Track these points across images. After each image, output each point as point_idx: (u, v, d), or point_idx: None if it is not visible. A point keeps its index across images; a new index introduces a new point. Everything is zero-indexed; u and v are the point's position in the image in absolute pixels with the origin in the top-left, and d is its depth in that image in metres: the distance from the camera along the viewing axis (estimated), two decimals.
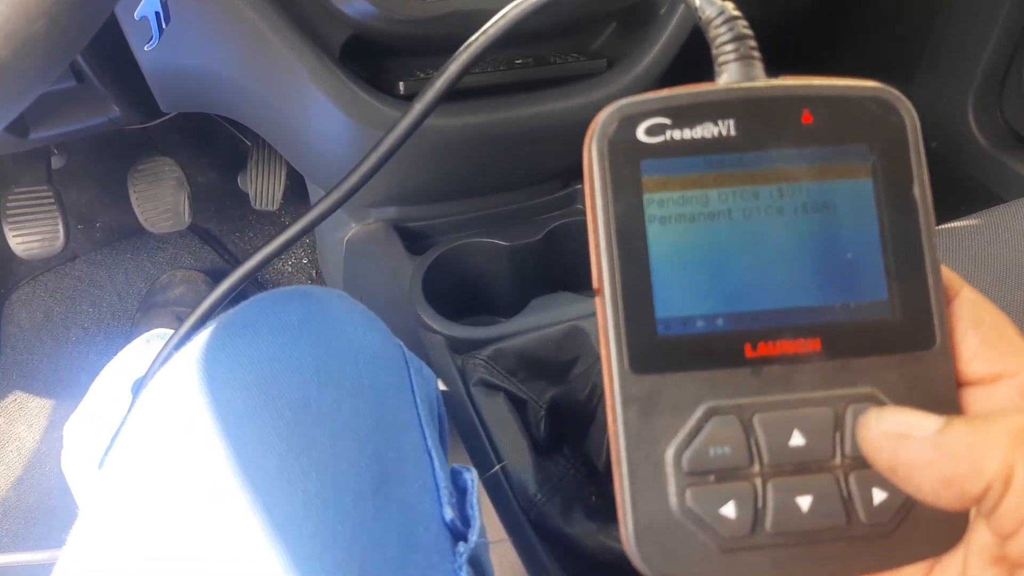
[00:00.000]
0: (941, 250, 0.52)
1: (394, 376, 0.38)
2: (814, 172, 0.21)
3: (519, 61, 0.56)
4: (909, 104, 0.21)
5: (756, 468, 0.20)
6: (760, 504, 0.20)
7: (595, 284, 0.21)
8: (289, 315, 0.37)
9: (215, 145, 1.07)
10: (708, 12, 0.22)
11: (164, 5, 0.50)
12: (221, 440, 0.32)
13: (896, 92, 0.21)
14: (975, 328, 0.21)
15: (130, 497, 0.33)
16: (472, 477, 0.37)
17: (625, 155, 0.20)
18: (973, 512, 0.20)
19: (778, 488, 0.20)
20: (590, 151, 0.21)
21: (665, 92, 0.21)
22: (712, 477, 0.20)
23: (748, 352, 0.20)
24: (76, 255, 1.03)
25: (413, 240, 0.66)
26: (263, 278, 1.07)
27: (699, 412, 0.20)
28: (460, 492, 0.37)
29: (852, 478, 0.20)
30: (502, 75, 0.55)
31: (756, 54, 0.22)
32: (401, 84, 0.53)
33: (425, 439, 0.37)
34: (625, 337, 0.20)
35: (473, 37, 0.32)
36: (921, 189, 0.21)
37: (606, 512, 0.50)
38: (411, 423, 0.37)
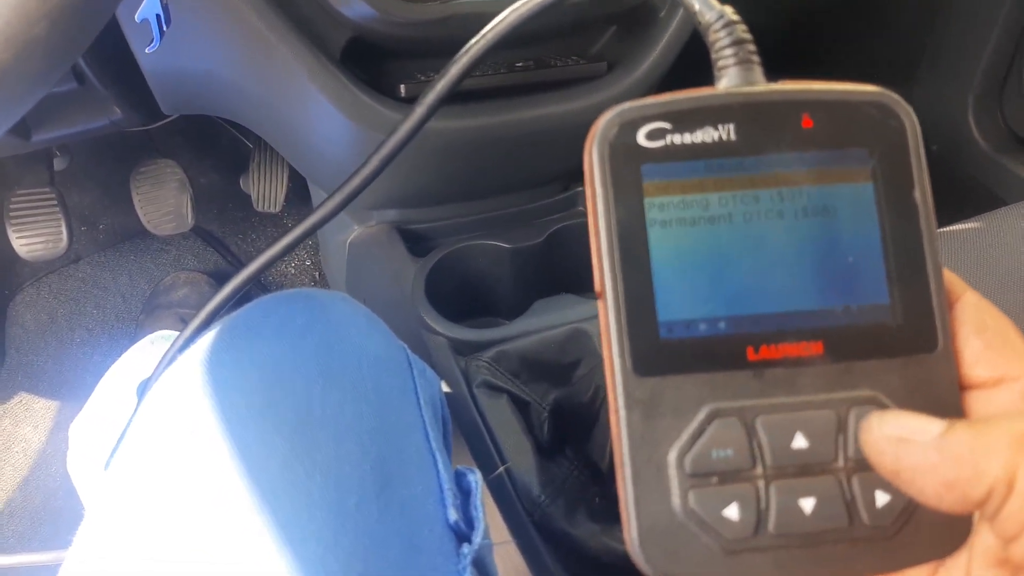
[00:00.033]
0: (943, 253, 0.52)
1: (397, 378, 0.38)
2: (814, 176, 0.21)
3: (520, 64, 0.56)
4: (909, 108, 0.21)
5: (759, 470, 0.20)
6: (763, 506, 0.20)
7: (597, 288, 0.21)
8: (293, 318, 0.37)
9: (217, 147, 1.07)
10: (707, 16, 0.22)
11: (165, 7, 0.50)
12: (225, 442, 0.32)
13: (896, 96, 0.21)
14: (978, 332, 0.21)
15: (135, 499, 0.33)
16: (476, 479, 0.37)
17: (626, 159, 0.20)
18: (977, 515, 0.20)
19: (781, 490, 0.20)
20: (591, 155, 0.21)
21: (665, 97, 0.21)
22: (715, 479, 0.20)
23: (750, 355, 0.20)
24: (79, 257, 1.03)
25: (415, 242, 0.66)
26: (266, 280, 1.07)
27: (702, 414, 0.20)
28: (464, 494, 0.37)
29: (855, 480, 0.20)
30: (503, 78, 0.55)
31: (755, 58, 0.22)
32: (402, 86, 0.53)
33: (429, 441, 0.37)
34: (627, 340, 0.20)
35: (473, 40, 0.32)
36: (922, 193, 0.21)
37: (610, 514, 0.50)
38: (415, 425, 0.37)
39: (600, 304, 0.21)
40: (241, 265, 0.72)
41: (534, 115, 0.57)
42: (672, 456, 0.20)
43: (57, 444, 0.92)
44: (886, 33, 0.91)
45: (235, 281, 0.37)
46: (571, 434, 0.56)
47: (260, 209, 0.94)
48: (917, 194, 0.21)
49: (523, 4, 0.30)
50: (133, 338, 0.86)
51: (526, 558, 0.49)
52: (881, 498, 0.20)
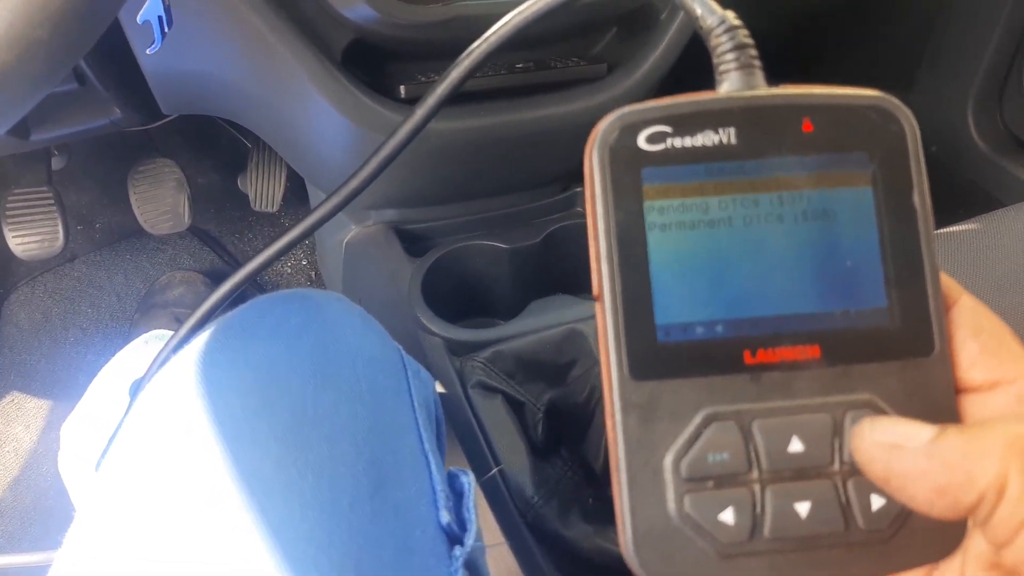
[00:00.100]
0: (940, 255, 0.52)
1: (392, 379, 0.38)
2: (814, 180, 0.21)
3: (520, 65, 0.57)
4: (909, 113, 0.21)
5: (755, 474, 0.20)
6: (758, 510, 0.20)
7: (595, 291, 0.21)
8: (287, 318, 0.37)
9: (216, 147, 1.07)
10: (709, 21, 0.22)
11: (167, 9, 0.50)
12: (218, 442, 0.32)
13: (896, 101, 0.21)
14: (974, 335, 0.21)
15: (127, 499, 0.33)
16: (469, 480, 0.37)
17: (626, 163, 0.20)
18: (971, 519, 0.20)
19: (777, 494, 0.20)
20: (591, 159, 0.21)
21: (666, 100, 0.21)
22: (711, 483, 0.20)
23: (747, 358, 0.20)
24: (75, 256, 1.03)
25: (412, 242, 0.66)
26: (263, 279, 1.07)
27: (698, 418, 0.20)
28: (457, 495, 0.37)
29: (850, 484, 0.20)
30: (503, 79, 0.55)
31: (757, 63, 0.22)
32: (402, 88, 0.53)
33: (422, 442, 0.37)
34: (625, 343, 0.20)
35: (475, 44, 0.32)
36: (921, 197, 0.21)
37: (603, 515, 0.50)
38: (408, 426, 0.37)
39: (598, 307, 0.21)
40: (238, 265, 0.72)
41: (534, 116, 0.57)
42: (668, 460, 0.20)
43: (48, 444, 0.92)
44: (886, 35, 0.92)
45: (231, 281, 0.37)
46: (566, 435, 0.56)
47: (258, 209, 0.94)
48: (916, 198, 0.21)
49: (525, 8, 0.30)
50: (128, 337, 0.86)
51: (519, 559, 0.49)
52: (876, 502, 0.20)
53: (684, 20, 0.58)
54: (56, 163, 0.89)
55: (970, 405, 0.21)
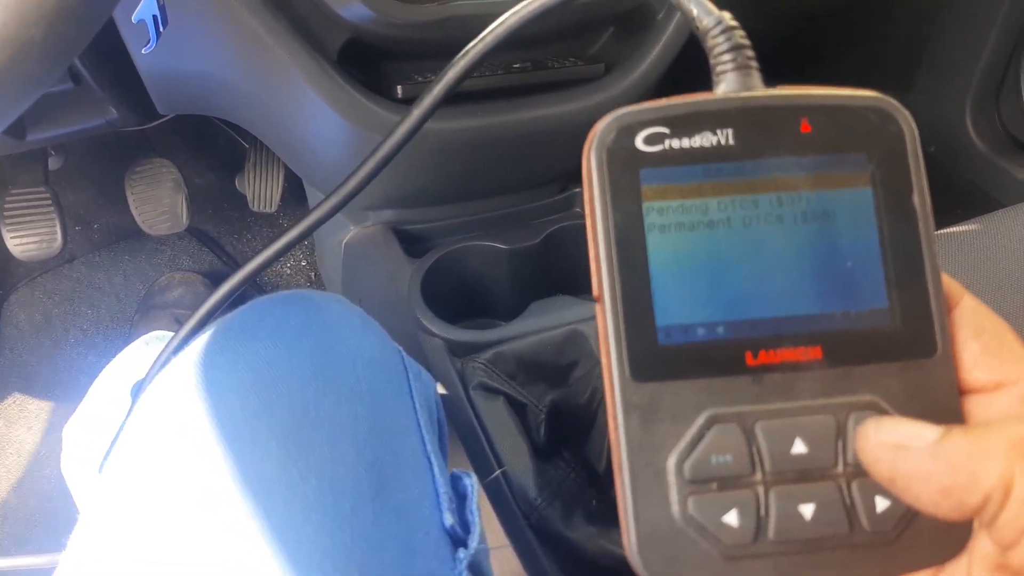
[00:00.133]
0: (941, 255, 0.52)
1: (392, 381, 0.38)
2: (813, 181, 0.21)
3: (517, 65, 0.56)
4: (907, 113, 0.21)
5: (758, 476, 0.20)
6: (762, 512, 0.20)
7: (595, 292, 0.21)
8: (288, 320, 0.37)
9: (213, 147, 1.07)
10: (705, 22, 0.22)
11: (161, 8, 0.50)
12: (219, 444, 0.32)
13: (894, 102, 0.21)
14: (976, 336, 0.21)
15: (130, 501, 0.33)
16: (472, 482, 0.37)
17: (624, 164, 0.20)
18: (976, 520, 0.20)
19: (780, 496, 0.20)
20: (589, 160, 0.21)
21: (663, 101, 0.21)
22: (714, 485, 0.20)
23: (749, 360, 0.20)
24: (74, 257, 1.02)
25: (412, 243, 0.66)
26: (262, 280, 1.07)
27: (700, 420, 0.20)
28: (460, 497, 0.37)
29: (855, 486, 0.20)
30: (500, 79, 0.55)
31: (754, 64, 0.22)
32: (399, 88, 0.53)
33: (424, 444, 0.37)
34: (626, 345, 0.20)
35: (471, 44, 0.32)
36: (920, 197, 0.21)
37: (607, 516, 0.50)
38: (410, 428, 0.37)
39: (598, 309, 0.21)
40: (236, 265, 0.72)
41: (531, 116, 0.57)
42: (671, 462, 0.20)
43: (51, 445, 0.92)
44: (884, 36, 0.91)
45: (231, 282, 0.37)
46: (568, 436, 0.55)
47: (256, 209, 0.94)
48: (916, 199, 0.21)
49: (522, 8, 0.30)
50: (128, 338, 0.86)
51: (523, 561, 0.49)
52: (881, 503, 0.20)
53: (681, 20, 0.58)
54: (53, 163, 0.89)
55: (973, 406, 0.21)
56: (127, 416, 0.36)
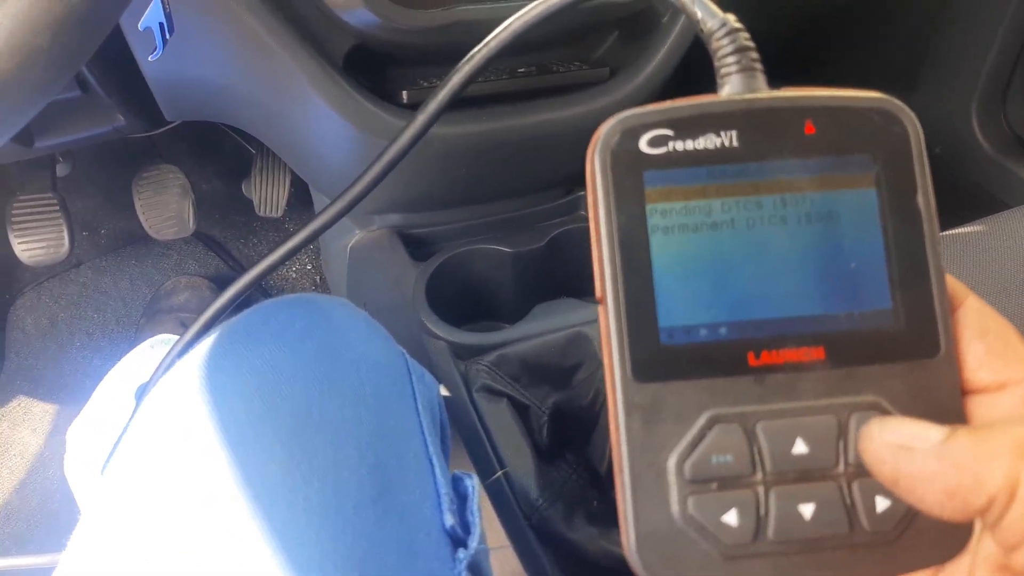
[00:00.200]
0: (945, 256, 0.51)
1: (396, 384, 0.38)
2: (817, 182, 0.21)
3: (522, 69, 0.57)
4: (912, 115, 0.21)
5: (759, 476, 0.20)
6: (762, 512, 0.20)
7: (598, 294, 0.21)
8: (292, 323, 0.37)
9: (219, 153, 1.07)
10: (710, 24, 0.22)
11: (168, 16, 0.50)
12: (223, 447, 0.32)
13: (899, 103, 0.21)
14: (980, 336, 0.21)
15: (132, 503, 0.33)
16: (473, 483, 0.37)
17: (628, 166, 0.20)
18: (979, 521, 0.20)
19: (781, 496, 0.20)
20: (593, 162, 0.21)
21: (667, 104, 0.21)
22: (714, 485, 0.20)
23: (751, 360, 0.20)
24: (81, 262, 1.03)
25: (417, 247, 0.66)
26: (267, 284, 1.07)
27: (702, 420, 0.20)
28: (461, 498, 0.37)
29: (855, 486, 0.20)
30: (505, 83, 0.55)
31: (758, 65, 0.22)
32: (404, 93, 0.53)
33: (427, 446, 0.37)
34: (628, 346, 0.20)
35: (476, 48, 0.32)
36: (925, 199, 0.21)
37: (608, 517, 0.50)
38: (413, 430, 0.37)
39: (601, 310, 0.21)
40: (242, 270, 0.72)
41: (536, 120, 0.57)
42: (672, 462, 0.20)
43: (55, 448, 0.92)
44: (889, 36, 0.91)
45: (236, 286, 0.37)
46: (571, 438, 0.55)
47: (262, 214, 0.94)
48: (920, 200, 0.21)
49: (526, 12, 0.30)
50: (133, 342, 0.86)
51: (524, 562, 0.49)
52: (881, 503, 0.20)
53: (686, 23, 0.58)
54: (60, 170, 0.89)
55: (977, 407, 0.21)
56: (130, 418, 0.36)
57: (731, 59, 0.22)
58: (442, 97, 0.33)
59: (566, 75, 0.57)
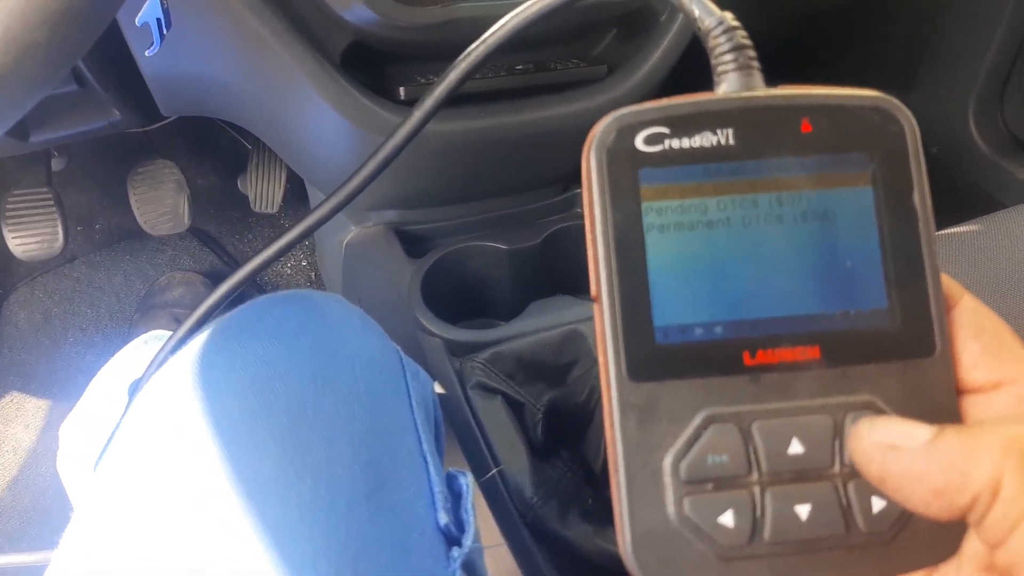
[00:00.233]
0: (941, 256, 0.52)
1: (390, 381, 0.38)
2: (814, 181, 0.21)
3: (520, 67, 0.56)
4: (909, 113, 0.21)
5: (755, 476, 0.20)
6: (758, 513, 0.20)
7: (593, 292, 0.21)
8: (286, 319, 0.37)
9: (215, 148, 1.07)
10: (707, 22, 0.22)
11: (165, 11, 0.50)
12: (216, 443, 0.32)
13: (896, 101, 0.21)
14: (975, 336, 0.21)
15: (124, 499, 0.33)
16: (467, 482, 0.37)
17: (624, 164, 0.20)
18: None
19: (777, 496, 0.20)
20: (588, 160, 0.21)
21: (663, 102, 0.21)
22: (710, 485, 0.20)
23: (747, 360, 0.20)
24: (75, 256, 1.03)
25: (412, 243, 0.66)
26: (262, 280, 1.07)
27: (697, 420, 0.20)
28: (455, 497, 0.37)
29: (851, 487, 0.20)
30: (503, 80, 0.55)
31: (755, 64, 0.22)
32: (402, 90, 0.53)
33: (420, 443, 0.37)
34: (623, 345, 0.20)
35: (473, 45, 0.32)
36: (921, 197, 0.21)
37: (603, 515, 0.50)
38: (407, 428, 0.37)
39: (596, 308, 0.21)
40: (237, 265, 0.72)
41: (534, 118, 0.57)
42: (667, 462, 0.20)
43: (48, 443, 0.92)
44: (886, 36, 0.91)
45: (230, 282, 0.37)
46: (565, 435, 0.55)
47: (257, 210, 0.94)
48: (916, 198, 0.21)
49: (523, 10, 0.30)
50: (127, 338, 0.86)
51: (518, 560, 0.49)
52: (877, 504, 0.20)
53: (684, 22, 0.58)
54: (56, 164, 0.89)
55: (972, 406, 0.21)
56: (123, 414, 0.36)
57: (728, 57, 0.22)
58: (438, 94, 0.33)
59: (564, 73, 0.57)
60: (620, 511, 0.20)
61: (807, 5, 0.87)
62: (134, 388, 0.38)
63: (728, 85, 0.22)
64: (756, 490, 0.20)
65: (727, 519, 0.20)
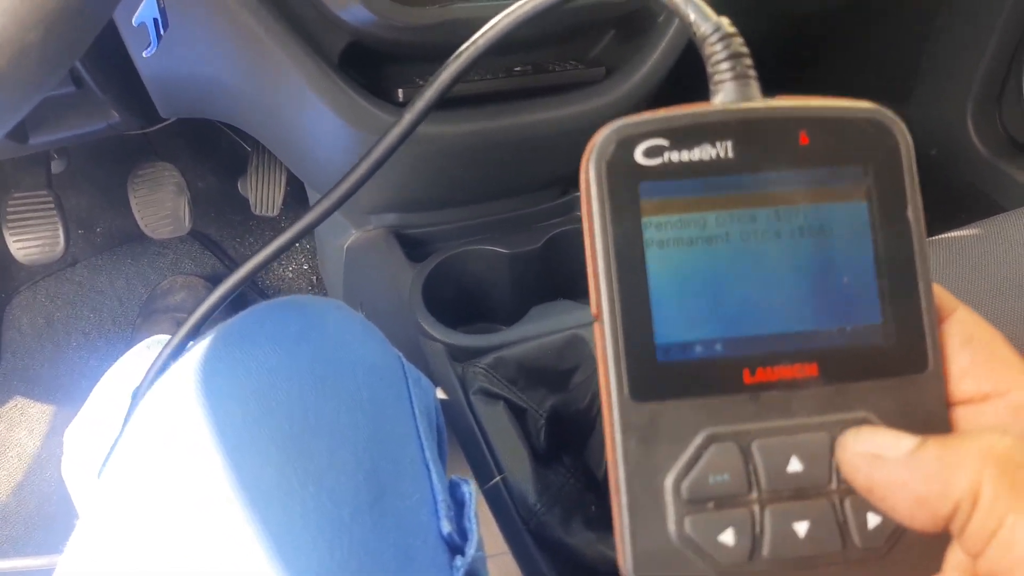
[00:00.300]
0: (941, 260, 0.51)
1: (392, 388, 0.38)
2: (810, 195, 0.21)
3: (518, 69, 0.56)
4: (903, 126, 0.21)
5: (754, 495, 0.20)
6: (758, 530, 0.20)
7: (594, 311, 0.20)
8: (288, 326, 0.37)
9: (215, 151, 1.07)
10: (703, 28, 0.22)
11: (162, 11, 0.50)
12: (219, 451, 0.32)
13: (891, 114, 0.21)
14: (965, 348, 0.21)
15: (128, 507, 0.33)
16: (470, 489, 0.37)
17: (624, 177, 0.20)
18: None
19: (775, 514, 0.20)
20: (587, 172, 0.20)
21: (662, 113, 0.20)
22: (711, 504, 0.20)
23: (747, 378, 0.20)
24: (76, 260, 1.03)
25: (413, 247, 0.66)
26: (264, 284, 1.07)
27: (699, 439, 0.20)
28: (458, 505, 0.36)
29: (847, 503, 0.20)
30: (501, 82, 0.55)
31: (752, 72, 0.21)
32: (400, 91, 0.53)
33: (423, 451, 0.37)
34: (625, 365, 0.20)
35: (463, 46, 0.32)
36: (915, 211, 0.21)
37: (605, 522, 0.50)
38: (409, 435, 0.37)
39: (596, 327, 0.20)
40: (238, 268, 0.72)
41: (532, 120, 0.57)
42: (669, 482, 0.20)
43: (52, 449, 0.92)
44: (885, 37, 0.91)
45: (225, 285, 0.37)
46: (568, 441, 0.55)
47: (258, 213, 0.94)
48: (910, 213, 0.21)
49: (513, 11, 0.30)
50: (130, 342, 0.86)
51: (521, 567, 0.48)
52: (872, 520, 0.20)
53: (682, 23, 0.57)
54: (55, 167, 0.89)
55: (962, 418, 0.21)
56: (126, 420, 0.36)
57: (725, 66, 0.21)
58: (429, 95, 0.33)
59: (562, 74, 0.57)
60: (621, 530, 0.20)
61: (806, 7, 0.87)
62: (136, 394, 0.38)
63: (725, 95, 0.21)
64: (756, 508, 0.20)
65: (727, 537, 0.20)
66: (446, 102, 0.35)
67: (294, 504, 0.31)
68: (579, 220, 0.69)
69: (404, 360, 0.40)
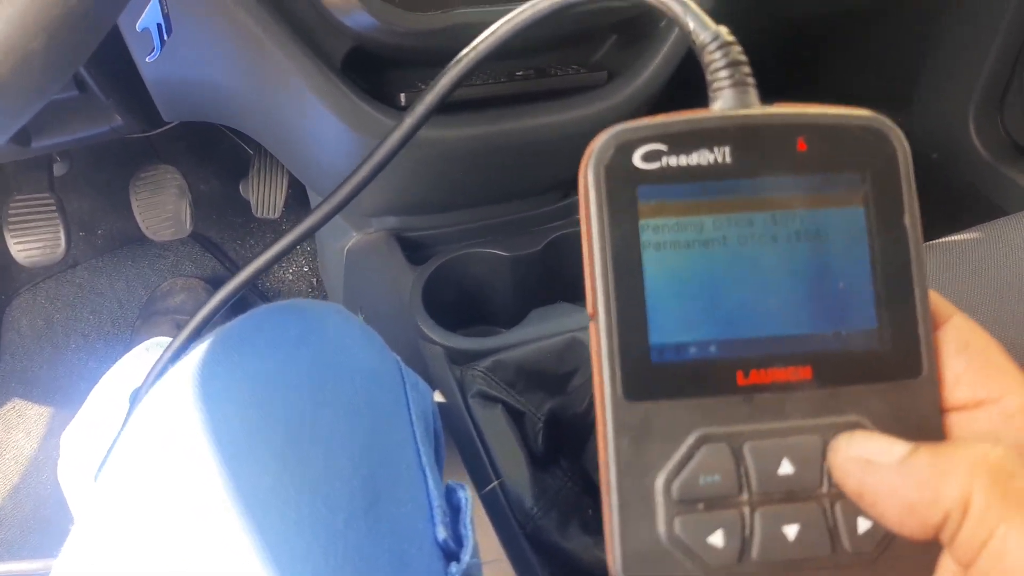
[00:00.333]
0: (941, 263, 0.51)
1: (390, 393, 0.38)
2: (808, 200, 0.21)
3: (520, 73, 0.56)
4: (901, 133, 0.21)
5: (744, 497, 0.20)
6: (747, 532, 0.20)
7: (590, 310, 0.21)
8: (287, 330, 0.37)
9: (217, 153, 1.07)
10: (702, 37, 0.22)
11: (166, 17, 0.50)
12: (215, 456, 0.32)
13: (889, 122, 0.21)
14: (959, 353, 0.21)
15: (124, 511, 0.33)
16: (466, 495, 0.37)
17: (622, 181, 0.20)
18: None
19: (765, 517, 0.20)
20: (586, 176, 0.21)
21: (660, 118, 0.21)
22: (701, 505, 0.20)
23: (740, 380, 0.20)
24: (77, 262, 1.03)
25: (413, 250, 0.66)
26: (264, 286, 1.07)
27: (690, 440, 0.20)
28: (453, 511, 0.36)
29: (838, 507, 0.20)
30: (503, 87, 0.55)
31: (750, 80, 0.22)
32: (402, 95, 0.53)
33: (420, 457, 0.36)
34: (619, 365, 0.20)
35: (465, 51, 0.32)
36: (912, 219, 0.21)
37: (602, 526, 0.50)
38: (406, 441, 0.37)
39: (592, 327, 0.21)
40: (239, 271, 0.72)
41: (534, 124, 0.57)
42: (659, 482, 0.20)
43: (49, 451, 0.92)
44: (887, 40, 0.91)
45: (226, 289, 0.37)
46: (566, 444, 0.55)
47: (259, 215, 0.94)
48: (907, 220, 0.21)
49: (514, 16, 0.30)
50: (129, 344, 0.86)
51: (517, 571, 0.48)
52: (862, 524, 0.20)
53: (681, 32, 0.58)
54: (58, 170, 0.89)
55: (955, 425, 0.21)
56: (124, 424, 0.36)
57: (723, 73, 0.22)
58: (430, 100, 0.33)
59: (564, 79, 0.57)
60: (611, 530, 0.20)
61: (806, 10, 0.87)
62: (135, 396, 0.38)
63: (724, 102, 0.22)
64: (746, 510, 0.20)
65: (716, 539, 0.20)
66: (448, 106, 0.35)
67: (289, 511, 0.31)
68: (579, 224, 0.69)
69: (402, 364, 0.40)
